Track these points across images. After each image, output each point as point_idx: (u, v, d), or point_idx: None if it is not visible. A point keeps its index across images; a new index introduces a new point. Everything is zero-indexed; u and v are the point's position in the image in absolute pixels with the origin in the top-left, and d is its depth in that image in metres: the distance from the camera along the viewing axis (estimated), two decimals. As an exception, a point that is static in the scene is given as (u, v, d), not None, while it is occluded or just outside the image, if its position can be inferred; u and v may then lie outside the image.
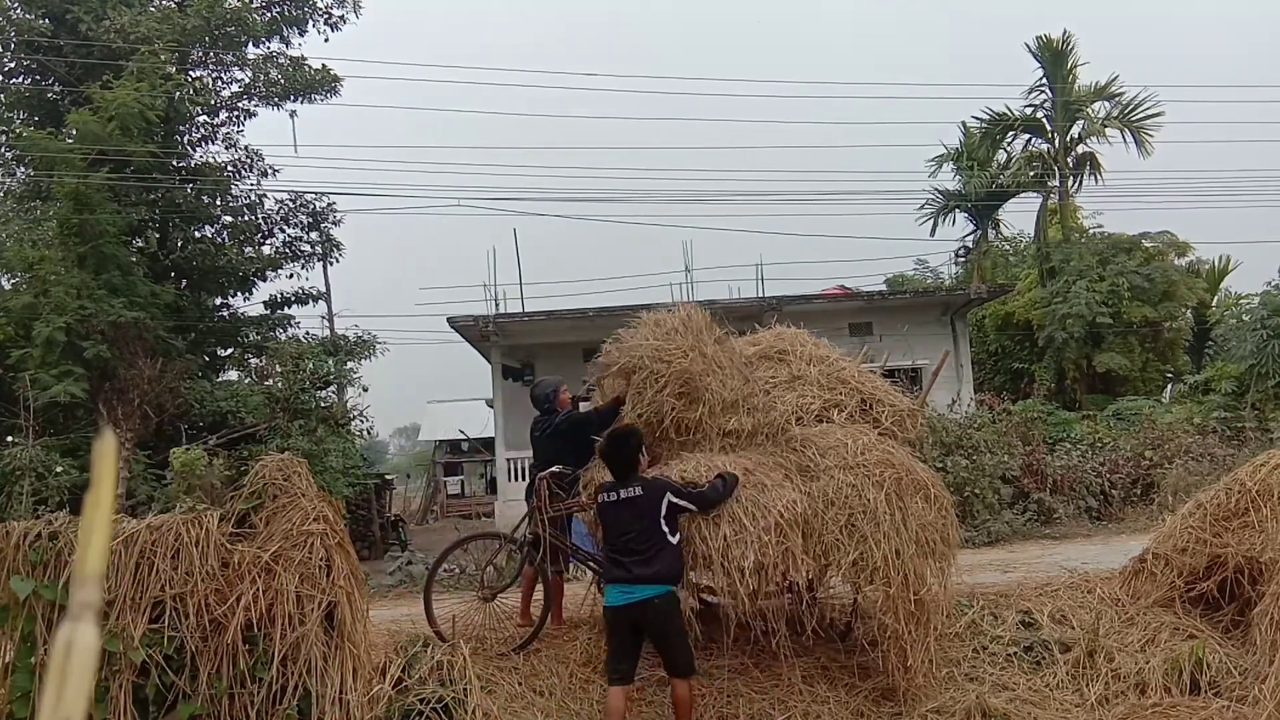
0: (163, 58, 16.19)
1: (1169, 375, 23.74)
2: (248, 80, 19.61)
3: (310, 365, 15.62)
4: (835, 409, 6.35)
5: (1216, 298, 27.09)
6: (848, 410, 6.35)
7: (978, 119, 26.27)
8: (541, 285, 54.78)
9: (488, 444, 20.96)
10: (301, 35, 19.92)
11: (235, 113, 19.90)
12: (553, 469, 6.40)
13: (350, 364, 18.44)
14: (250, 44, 19.22)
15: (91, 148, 14.46)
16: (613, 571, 5.31)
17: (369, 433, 19.23)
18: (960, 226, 28.95)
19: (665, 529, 5.20)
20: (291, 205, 19.90)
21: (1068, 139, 24.93)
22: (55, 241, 14.73)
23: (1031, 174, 25.79)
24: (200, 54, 18.64)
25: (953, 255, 29.40)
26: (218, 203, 19.25)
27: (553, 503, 6.25)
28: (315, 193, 20.08)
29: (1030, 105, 25.37)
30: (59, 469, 12.43)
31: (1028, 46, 25.01)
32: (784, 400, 6.35)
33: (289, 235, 20.21)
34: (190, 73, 18.72)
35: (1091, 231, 25.15)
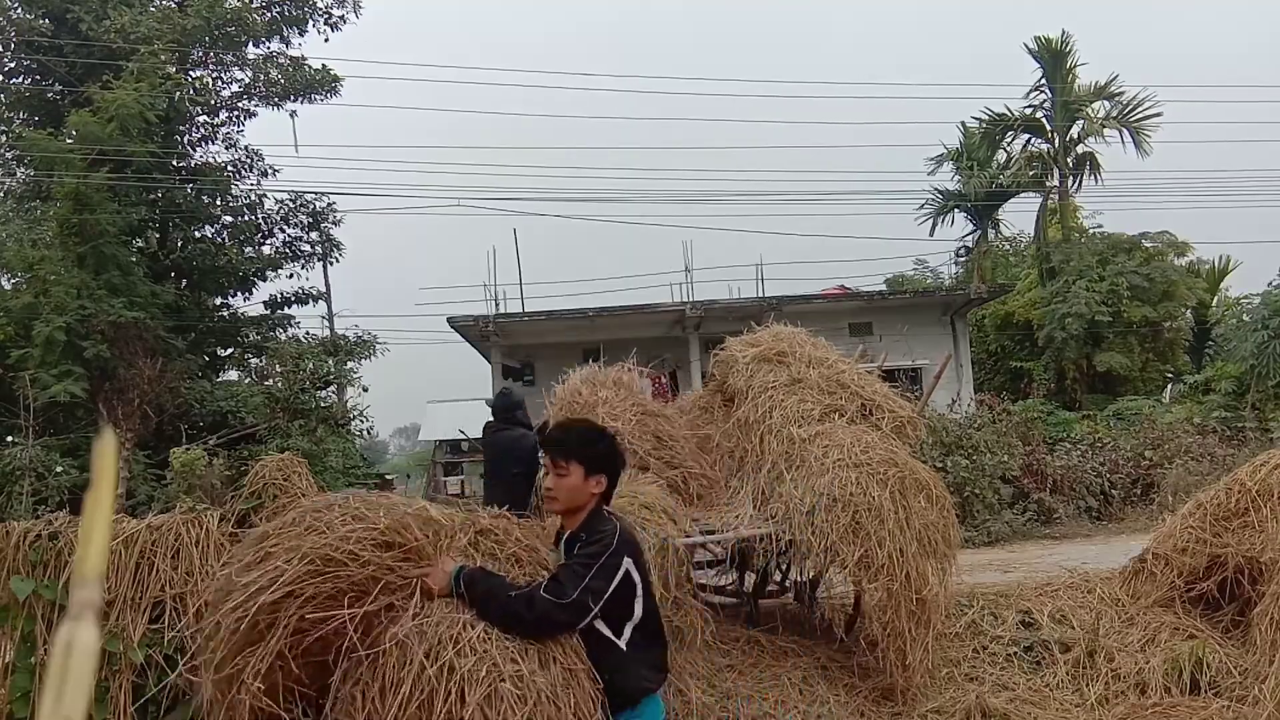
0: (163, 58, 16.20)
1: (1169, 375, 23.75)
2: (248, 80, 19.63)
3: (310, 365, 15.63)
4: (835, 413, 6.34)
5: (1216, 298, 27.10)
6: (848, 415, 6.34)
7: (977, 119, 26.31)
8: (541, 285, 54.74)
9: (488, 444, 20.92)
10: (301, 35, 19.96)
11: (235, 113, 19.93)
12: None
13: (350, 364, 18.45)
14: (250, 44, 19.24)
15: (92, 148, 14.47)
16: (665, 669, 3.24)
17: (369, 433, 19.25)
18: (960, 226, 29.01)
19: None
20: (291, 205, 19.92)
21: (1067, 139, 24.95)
22: (55, 241, 14.74)
23: (1031, 174, 25.81)
24: (200, 54, 18.66)
25: (953, 255, 29.45)
26: (218, 203, 19.27)
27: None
28: (315, 193, 20.12)
29: (1030, 105, 25.41)
30: (59, 469, 12.44)
31: (1027, 47, 25.06)
32: (784, 405, 6.34)
33: (289, 235, 20.23)
34: (190, 73, 18.74)
35: (1091, 231, 25.17)
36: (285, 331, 19.86)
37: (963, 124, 27.50)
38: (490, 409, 7.23)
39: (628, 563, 2.92)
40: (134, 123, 14.87)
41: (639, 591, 2.96)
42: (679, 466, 6.38)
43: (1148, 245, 22.95)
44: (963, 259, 29.20)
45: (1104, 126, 24.49)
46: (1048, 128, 25.25)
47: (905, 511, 5.56)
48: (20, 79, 18.42)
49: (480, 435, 7.29)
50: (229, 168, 19.63)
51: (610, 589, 2.85)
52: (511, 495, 6.01)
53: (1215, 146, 38.43)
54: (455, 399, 36.68)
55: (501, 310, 19.23)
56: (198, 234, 18.87)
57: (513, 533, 3.09)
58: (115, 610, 4.59)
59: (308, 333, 20.08)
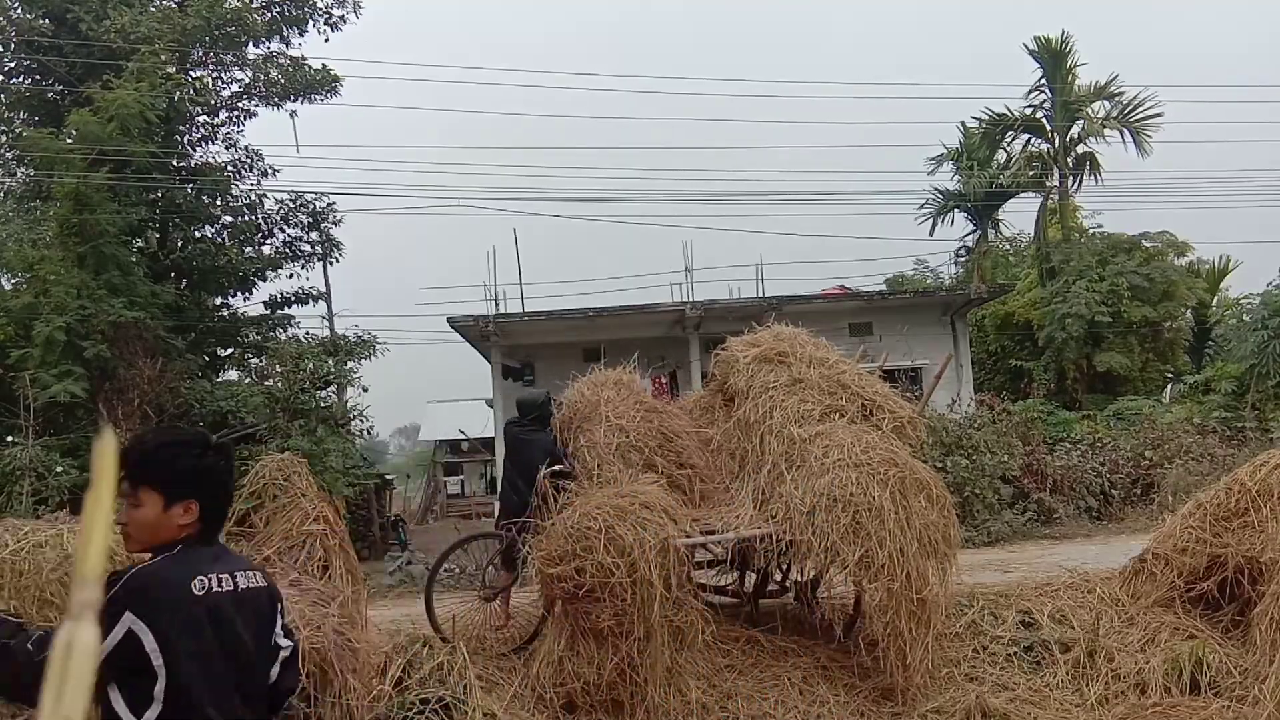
0: (163, 57, 16.20)
1: (1169, 375, 23.77)
2: (248, 80, 19.63)
3: (310, 365, 15.62)
4: (836, 414, 6.35)
5: (1216, 298, 27.10)
6: (848, 416, 6.35)
7: (977, 119, 26.32)
8: (541, 285, 54.68)
9: (488, 444, 20.95)
10: (301, 35, 19.94)
11: (235, 113, 19.93)
12: (555, 468, 6.40)
13: (350, 364, 18.44)
14: (250, 44, 19.24)
15: (92, 147, 14.47)
16: None
17: (369, 433, 19.24)
18: (960, 226, 29.01)
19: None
20: (291, 205, 19.91)
21: (1067, 139, 24.95)
22: (55, 242, 14.75)
23: (1031, 174, 25.81)
24: (200, 54, 18.66)
25: (953, 255, 29.45)
26: (218, 203, 19.27)
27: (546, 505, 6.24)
28: (315, 193, 20.11)
29: (1030, 105, 25.42)
30: (59, 469, 12.43)
31: (1027, 47, 25.05)
32: (784, 405, 6.35)
33: (289, 235, 20.23)
34: (190, 73, 18.74)
35: (1091, 231, 25.17)
36: (285, 331, 19.86)
37: (963, 124, 27.52)
38: (519, 406, 7.20)
39: (130, 621, 2.13)
40: (134, 122, 14.88)
41: (157, 662, 2.15)
42: (686, 465, 6.39)
43: (1148, 245, 22.94)
44: (963, 259, 29.20)
45: (1104, 126, 24.50)
46: (1048, 128, 25.25)
47: (905, 511, 5.57)
48: (20, 79, 18.43)
49: (504, 431, 7.27)
50: (229, 168, 19.64)
51: (102, 650, 2.05)
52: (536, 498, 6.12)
53: (1215, 146, 38.40)
54: (455, 399, 36.74)
55: (501, 310, 19.22)
56: (198, 234, 18.87)
57: (43, 569, 2.53)
58: (115, 610, 4.58)
59: (308, 333, 20.09)
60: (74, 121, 14.84)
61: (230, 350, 19.84)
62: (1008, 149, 26.72)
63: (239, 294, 19.53)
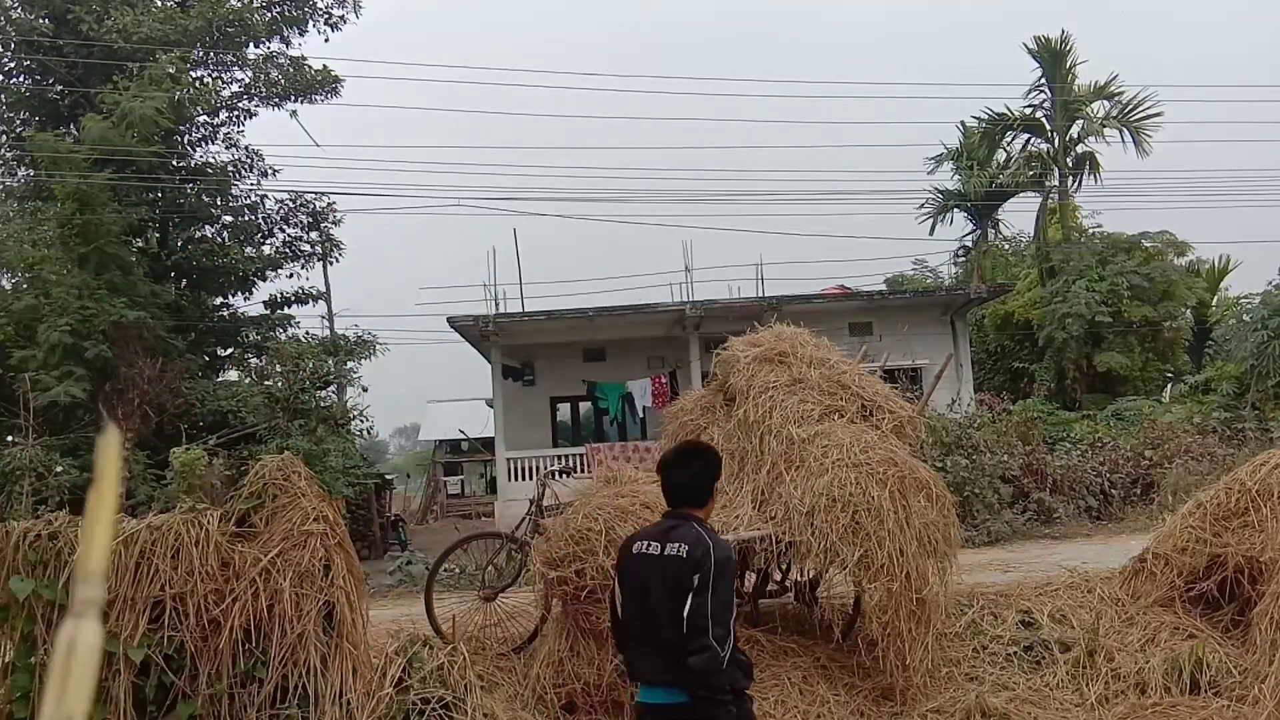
0: (166, 58, 16.21)
1: (1169, 375, 23.77)
2: (248, 80, 19.64)
3: (310, 365, 15.61)
4: (835, 414, 6.34)
5: (1216, 298, 27.11)
6: (848, 416, 6.34)
7: (977, 119, 26.31)
8: (541, 285, 54.64)
9: (488, 444, 20.96)
10: (302, 35, 19.96)
11: (235, 113, 19.93)
12: (554, 468, 6.41)
13: (350, 364, 18.44)
14: (251, 44, 19.24)
15: (97, 148, 14.47)
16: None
17: (369, 433, 19.22)
18: (960, 226, 29.02)
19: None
20: (291, 205, 19.92)
21: (1067, 139, 24.96)
22: (56, 241, 14.75)
23: (1031, 174, 25.82)
24: (201, 54, 18.67)
25: (952, 255, 29.46)
26: (218, 203, 19.28)
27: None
28: (315, 193, 20.13)
29: (1030, 105, 25.42)
30: (59, 469, 12.42)
31: (1026, 47, 25.06)
32: (784, 405, 6.34)
33: (289, 235, 20.24)
34: (191, 73, 18.75)
35: (1091, 231, 25.18)
36: (285, 331, 19.86)
37: (962, 124, 27.52)
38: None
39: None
40: (149, 128, 14.91)
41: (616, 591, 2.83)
42: None
43: (1148, 245, 22.96)
44: (962, 259, 29.21)
45: (1104, 126, 24.51)
46: (1047, 127, 25.26)
47: (905, 511, 5.56)
48: (21, 79, 18.43)
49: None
50: (229, 168, 19.64)
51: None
52: None
53: (1215, 146, 38.35)
54: (455, 399, 36.76)
55: (501, 310, 19.23)
56: (198, 234, 18.89)
57: None
58: (115, 610, 4.59)
59: (308, 333, 20.10)
60: (91, 128, 14.82)
61: (230, 350, 19.85)
62: (1007, 149, 26.74)
63: (239, 294, 19.55)
